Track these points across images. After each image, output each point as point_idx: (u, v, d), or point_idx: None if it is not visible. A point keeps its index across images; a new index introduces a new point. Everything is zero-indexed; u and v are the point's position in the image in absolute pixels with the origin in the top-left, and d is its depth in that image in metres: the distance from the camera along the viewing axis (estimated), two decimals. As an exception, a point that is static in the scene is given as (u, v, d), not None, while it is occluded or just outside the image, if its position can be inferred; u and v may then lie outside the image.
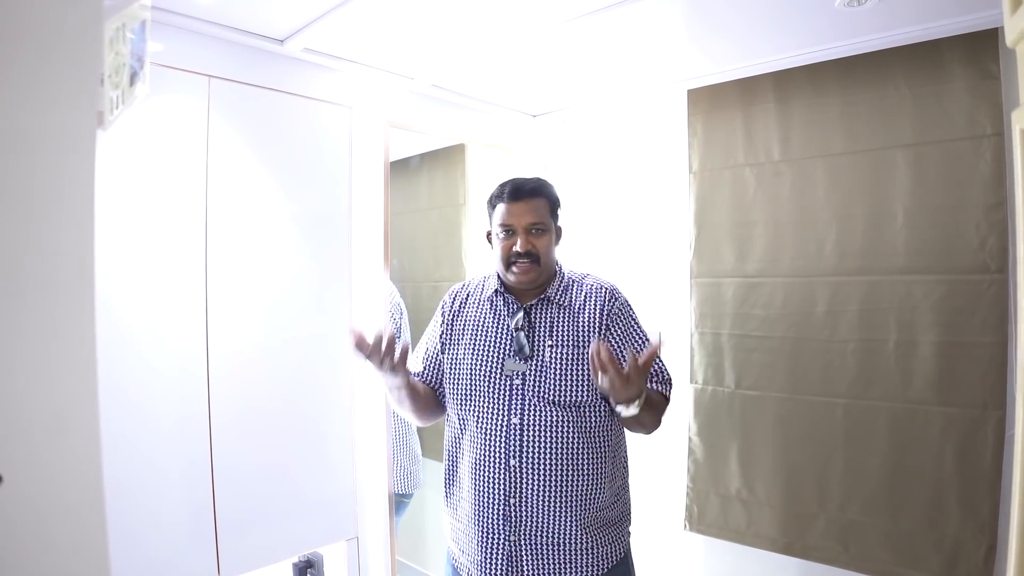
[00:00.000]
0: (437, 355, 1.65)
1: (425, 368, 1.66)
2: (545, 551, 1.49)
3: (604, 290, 1.59)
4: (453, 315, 1.65)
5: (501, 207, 1.56)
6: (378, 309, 2.01)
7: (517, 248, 1.52)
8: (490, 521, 1.50)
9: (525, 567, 1.49)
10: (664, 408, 1.59)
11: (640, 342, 1.58)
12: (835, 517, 1.97)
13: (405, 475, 2.43)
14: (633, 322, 1.60)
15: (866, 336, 1.91)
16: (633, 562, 1.64)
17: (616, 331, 1.56)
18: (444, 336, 1.64)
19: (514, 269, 1.53)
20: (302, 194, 1.85)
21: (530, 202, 1.53)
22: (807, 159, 2.01)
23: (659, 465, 2.36)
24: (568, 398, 1.50)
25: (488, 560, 1.51)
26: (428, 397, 1.64)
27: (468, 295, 1.67)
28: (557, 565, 1.49)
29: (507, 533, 1.49)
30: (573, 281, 1.61)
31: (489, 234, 1.64)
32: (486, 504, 1.51)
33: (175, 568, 1.60)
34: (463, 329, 1.61)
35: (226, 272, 1.69)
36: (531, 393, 1.50)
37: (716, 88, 2.16)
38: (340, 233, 1.95)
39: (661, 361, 1.60)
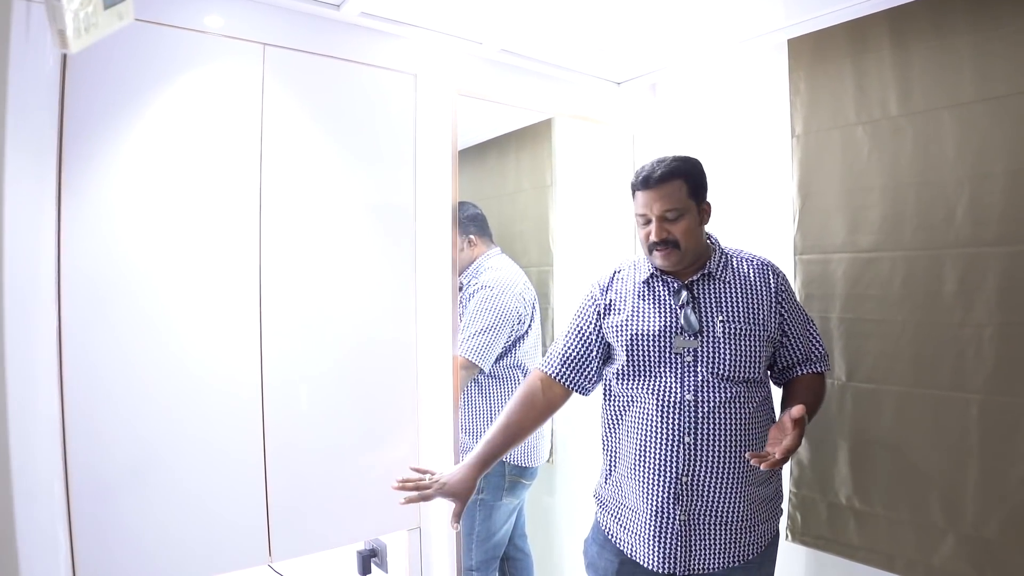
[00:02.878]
0: (585, 350, 1.66)
1: (564, 367, 1.67)
2: (714, 530, 1.50)
3: (766, 265, 1.61)
4: (609, 302, 1.65)
5: (638, 195, 1.57)
6: (445, 288, 1.91)
7: (653, 237, 1.53)
8: (661, 500, 1.50)
9: (695, 547, 1.50)
10: (822, 392, 1.64)
11: (806, 321, 1.65)
12: (968, 535, 1.66)
13: (527, 448, 2.32)
14: (796, 300, 1.65)
15: (1007, 319, 1.59)
16: (777, 549, 1.65)
17: (787, 308, 1.59)
18: (600, 322, 1.64)
19: (655, 255, 1.55)
20: (363, 168, 1.78)
21: (662, 188, 1.52)
22: (931, 111, 1.71)
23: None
24: (742, 373, 1.51)
25: (660, 541, 1.51)
26: (542, 411, 1.67)
27: (621, 280, 1.67)
28: (724, 543, 1.51)
29: (678, 512, 1.50)
30: (731, 256, 1.62)
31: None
32: (657, 483, 1.51)
33: (224, 551, 1.57)
34: (624, 308, 1.61)
35: (281, 249, 1.64)
36: (704, 369, 1.50)
37: (821, 35, 1.89)
38: (405, 209, 1.86)
39: (814, 334, 1.65)
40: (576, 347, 1.66)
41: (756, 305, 1.55)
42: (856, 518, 1.87)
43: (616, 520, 1.62)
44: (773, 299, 1.57)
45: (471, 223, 2.42)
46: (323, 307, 1.71)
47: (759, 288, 1.57)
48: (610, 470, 1.64)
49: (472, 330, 2.22)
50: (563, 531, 2.68)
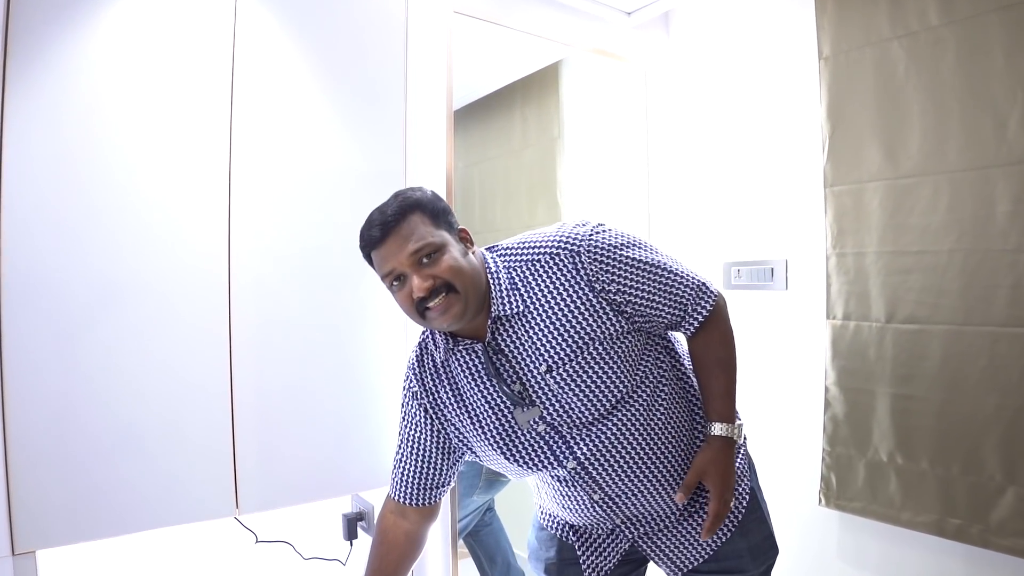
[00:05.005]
0: (423, 458, 1.28)
1: (407, 486, 1.30)
2: (671, 534, 1.29)
3: (559, 253, 1.14)
4: (432, 395, 1.26)
5: (375, 257, 1.14)
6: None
7: (417, 293, 1.09)
8: (603, 533, 1.32)
9: (663, 551, 1.30)
10: (721, 350, 1.24)
11: (652, 270, 1.16)
12: (1033, 489, 1.46)
13: None
14: (631, 260, 1.15)
15: (1073, 236, 1.40)
16: (761, 496, 1.36)
17: (615, 282, 1.13)
18: (431, 421, 1.27)
19: (432, 317, 1.11)
20: (346, 91, 1.62)
21: (398, 231, 1.10)
22: (977, 16, 1.53)
23: (786, 424, 1.91)
24: (607, 401, 1.15)
25: (601, 556, 1.32)
26: (406, 546, 1.31)
27: (431, 368, 1.27)
28: (691, 539, 1.29)
29: (627, 536, 1.30)
30: (514, 267, 1.17)
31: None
32: (593, 527, 1.32)
33: (185, 500, 1.40)
34: (451, 409, 1.25)
35: (254, 178, 1.48)
36: (566, 429, 1.17)
37: (851, -59, 1.73)
38: (393, 132, 1.70)
39: (672, 278, 1.18)
40: (412, 459, 1.29)
41: (575, 320, 1.13)
42: (899, 477, 1.66)
43: (553, 517, 1.38)
44: (588, 292, 1.13)
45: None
46: (299, 238, 1.55)
47: (565, 290, 1.14)
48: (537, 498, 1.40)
49: None
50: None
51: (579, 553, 1.33)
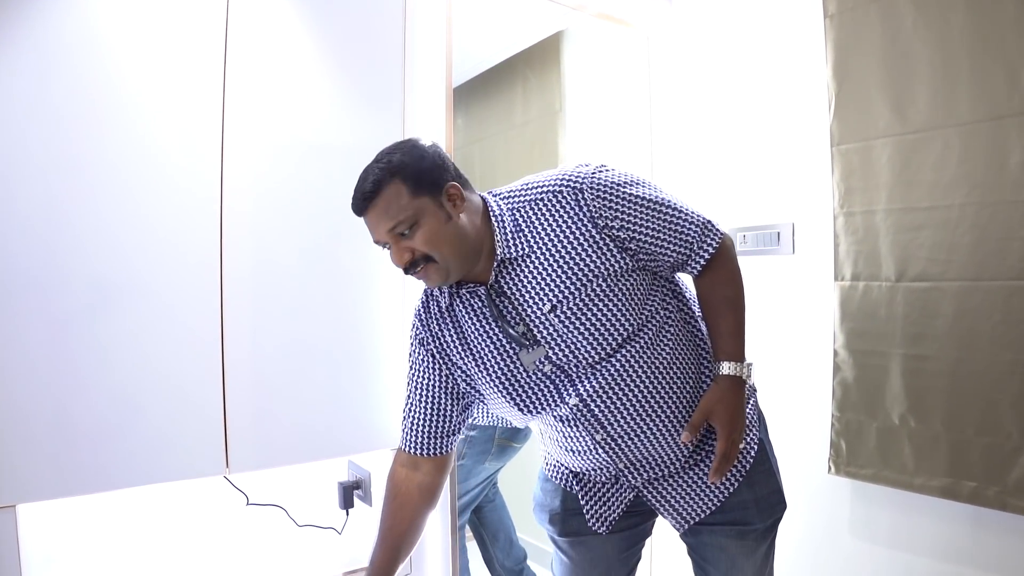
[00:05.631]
0: (434, 406, 1.26)
1: (418, 436, 1.27)
2: (679, 487, 1.25)
3: (561, 187, 1.13)
4: (439, 340, 1.25)
5: (364, 222, 1.14)
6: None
7: (396, 263, 1.11)
8: (608, 478, 1.27)
9: (669, 502, 1.26)
10: (728, 287, 1.23)
11: (657, 208, 1.15)
12: (1050, 445, 1.41)
13: None
14: (634, 197, 1.14)
15: (1089, 182, 1.36)
16: (770, 448, 1.31)
17: (619, 219, 1.12)
18: (439, 366, 1.25)
19: (418, 279, 1.14)
20: (343, 65, 1.58)
21: (376, 204, 1.09)
22: (988, -36, 1.51)
23: (793, 392, 1.86)
24: (613, 340, 1.13)
25: (612, 503, 1.28)
26: (419, 500, 1.27)
27: (435, 314, 1.26)
28: (697, 490, 1.25)
29: (631, 483, 1.26)
30: (517, 208, 1.16)
31: None
32: (596, 473, 1.27)
33: (174, 457, 1.36)
34: (457, 353, 1.23)
35: (249, 132, 1.45)
36: (569, 366, 1.15)
37: None
38: (391, 109, 1.65)
39: (677, 217, 1.17)
40: (422, 407, 1.27)
41: (578, 258, 1.12)
42: (912, 441, 1.61)
43: (559, 467, 1.34)
44: (591, 228, 1.12)
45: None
46: (295, 198, 1.51)
47: (568, 226, 1.13)
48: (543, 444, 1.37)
49: None
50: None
51: (583, 503, 1.29)
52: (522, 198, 1.16)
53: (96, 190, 1.28)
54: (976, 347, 1.51)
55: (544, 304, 1.13)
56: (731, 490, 1.24)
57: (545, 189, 1.15)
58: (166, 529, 1.49)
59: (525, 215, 1.15)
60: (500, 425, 1.99)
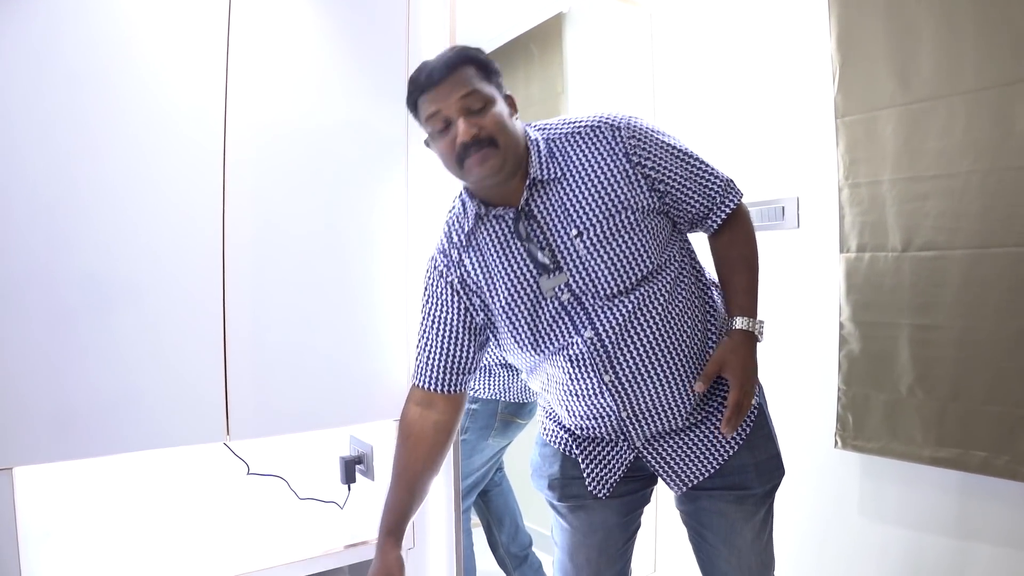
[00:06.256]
0: (452, 340, 1.27)
1: (434, 371, 1.28)
2: (682, 444, 1.24)
3: (600, 124, 1.18)
4: (455, 269, 1.26)
5: (423, 102, 1.15)
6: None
7: (461, 137, 1.10)
8: (608, 432, 1.25)
9: (669, 464, 1.24)
10: (745, 247, 1.28)
11: (684, 159, 1.22)
12: (1061, 414, 1.40)
13: (516, 381, 1.97)
14: (667, 144, 1.20)
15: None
16: (768, 414, 1.31)
17: (651, 160, 1.17)
18: (459, 297, 1.26)
19: (470, 165, 1.12)
20: (347, 45, 1.56)
21: (452, 77, 1.12)
22: (993, -70, 1.50)
23: (798, 367, 1.85)
24: (633, 276, 1.15)
25: (612, 466, 1.27)
26: (435, 438, 1.27)
27: (457, 242, 1.27)
28: (698, 451, 1.24)
29: (632, 439, 1.24)
30: (554, 138, 1.20)
31: (427, 141, 1.23)
32: (596, 426, 1.25)
33: (174, 423, 1.34)
34: (480, 281, 1.24)
35: (252, 93, 1.44)
36: (589, 298, 1.16)
37: None
38: (394, 89, 1.63)
39: (701, 168, 1.24)
40: (439, 341, 1.28)
41: (610, 187, 1.15)
42: (919, 412, 1.60)
43: (557, 429, 1.33)
44: (625, 163, 1.16)
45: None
46: (299, 163, 1.50)
47: (603, 159, 1.17)
48: (542, 399, 1.36)
49: None
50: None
51: (582, 466, 1.27)
52: (558, 130, 1.21)
53: (103, 151, 1.27)
54: (984, 315, 1.50)
55: (571, 229, 1.15)
56: (731, 452, 1.23)
57: (582, 124, 1.20)
58: (166, 497, 1.47)
59: (560, 144, 1.19)
60: (503, 399, 1.97)
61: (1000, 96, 1.48)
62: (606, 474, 1.26)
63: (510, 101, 1.19)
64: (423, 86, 1.13)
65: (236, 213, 1.40)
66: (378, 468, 1.63)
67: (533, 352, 1.21)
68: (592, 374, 1.18)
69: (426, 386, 1.28)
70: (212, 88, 1.38)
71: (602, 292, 1.15)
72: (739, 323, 1.19)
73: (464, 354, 1.27)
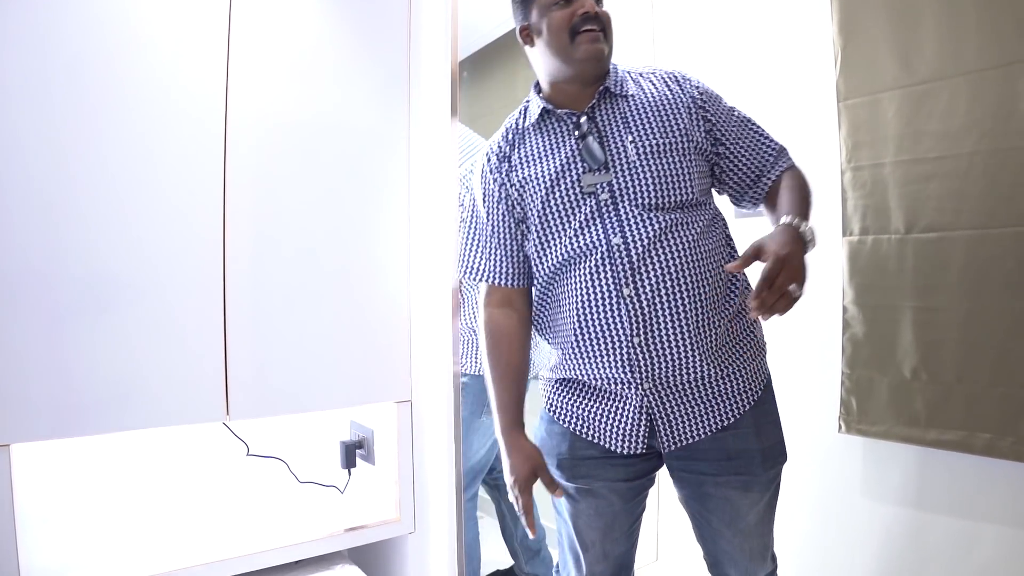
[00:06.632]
0: (512, 234, 1.33)
1: (507, 266, 1.34)
2: (688, 393, 1.22)
3: (674, 74, 1.32)
4: (507, 169, 1.31)
5: None
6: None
7: (585, 9, 1.20)
8: (615, 373, 1.21)
9: (670, 417, 1.23)
10: (802, 183, 1.30)
11: (743, 121, 1.32)
12: (1066, 390, 1.39)
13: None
14: (727, 105, 1.33)
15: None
16: (775, 400, 1.32)
17: (713, 111, 1.29)
18: (507, 197, 1.32)
19: (581, 40, 1.20)
20: (349, 36, 1.55)
21: None
22: (995, -90, 1.50)
23: (802, 348, 1.84)
24: (672, 197, 1.21)
25: (620, 423, 1.24)
26: (519, 330, 1.36)
27: (511, 136, 1.34)
28: (707, 405, 1.23)
29: (639, 381, 1.20)
30: (629, 71, 1.33)
31: (525, 31, 1.29)
32: (606, 353, 1.22)
33: (173, 402, 1.32)
34: (526, 174, 1.28)
35: (252, 74, 1.43)
36: (626, 203, 1.20)
37: None
38: (396, 84, 1.62)
39: (759, 131, 1.33)
40: (502, 240, 1.34)
41: (672, 114, 1.25)
42: (924, 395, 1.59)
43: (568, 401, 1.32)
44: (691, 104, 1.26)
45: None
46: (301, 149, 1.49)
47: (672, 95, 1.27)
48: (555, 352, 1.35)
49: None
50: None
51: (594, 432, 1.27)
52: (635, 70, 1.34)
53: (105, 142, 1.26)
54: (988, 296, 1.49)
55: (627, 134, 1.23)
56: (734, 418, 1.23)
57: (659, 70, 1.34)
58: (165, 477, 1.45)
59: (635, 76, 1.32)
60: None
61: (1003, 76, 1.48)
62: (628, 429, 1.24)
63: None
64: None
65: (237, 194, 1.39)
66: (379, 453, 1.62)
67: (559, 255, 1.25)
68: (612, 285, 1.19)
69: (502, 283, 1.35)
70: (213, 79, 1.38)
71: (640, 200, 1.20)
72: (786, 219, 1.12)
73: (522, 251, 1.34)
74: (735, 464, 1.23)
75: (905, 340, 1.61)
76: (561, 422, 1.32)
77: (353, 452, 1.66)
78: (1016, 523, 1.48)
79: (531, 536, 1.47)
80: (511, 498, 1.32)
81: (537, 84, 1.34)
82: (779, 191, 1.26)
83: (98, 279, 1.26)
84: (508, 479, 1.30)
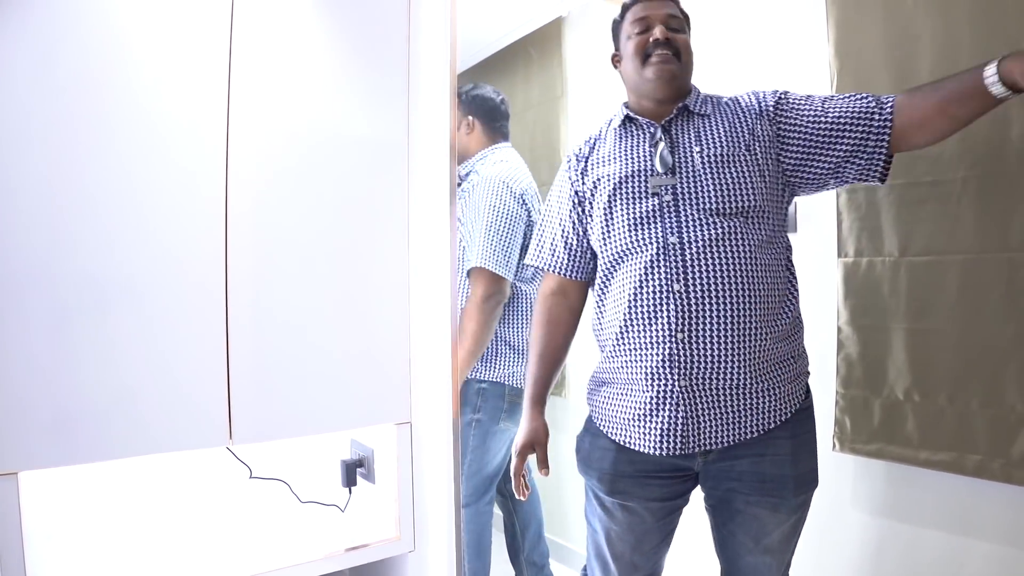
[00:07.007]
0: (577, 230, 1.49)
1: (570, 259, 1.51)
2: (723, 397, 1.28)
3: (758, 90, 1.43)
4: (581, 168, 1.49)
5: (635, 8, 1.45)
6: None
7: (656, 35, 1.37)
8: (655, 365, 1.30)
9: (702, 419, 1.29)
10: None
11: (838, 101, 1.33)
12: (1055, 415, 1.41)
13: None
14: (817, 96, 1.37)
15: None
16: (815, 423, 1.43)
17: (787, 108, 1.36)
18: (579, 194, 1.48)
19: (652, 62, 1.38)
20: (348, 49, 1.57)
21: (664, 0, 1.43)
22: (989, -62, 1.51)
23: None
24: (732, 204, 1.30)
25: (656, 416, 1.30)
26: (569, 320, 1.55)
27: (594, 140, 1.52)
28: (737, 414, 1.29)
29: (676, 376, 1.28)
30: (711, 95, 1.47)
31: (615, 57, 1.54)
32: (648, 345, 1.30)
33: (176, 427, 1.34)
34: (599, 173, 1.44)
35: (255, 105, 1.45)
36: (687, 206, 1.32)
37: None
38: (396, 97, 1.63)
39: (840, 96, 1.38)
40: (570, 233, 1.50)
41: (739, 127, 1.37)
42: (916, 415, 1.61)
43: (608, 404, 1.42)
44: (760, 112, 1.37)
45: (477, 106, 2.13)
46: (303, 164, 1.51)
47: (744, 109, 1.39)
48: (602, 351, 1.45)
49: (478, 234, 1.98)
50: (569, 466, 2.44)
51: (631, 435, 1.34)
52: (724, 96, 1.47)
53: (105, 155, 1.28)
54: (979, 320, 1.52)
55: (696, 146, 1.35)
56: (758, 432, 1.28)
57: (744, 92, 1.45)
58: (169, 501, 1.48)
59: (715, 98, 1.45)
60: (508, 383, 2.00)
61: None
62: (663, 429, 1.30)
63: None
64: None
65: (239, 218, 1.41)
66: (379, 471, 1.65)
67: (617, 247, 1.37)
68: (664, 280, 1.28)
69: (559, 272, 1.51)
70: (214, 95, 1.39)
71: (700, 203, 1.30)
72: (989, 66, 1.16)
73: (584, 246, 1.48)
74: (767, 487, 1.30)
75: (898, 361, 1.63)
76: (602, 428, 1.39)
77: (353, 471, 1.68)
78: (1006, 542, 1.50)
79: (521, 498, 1.55)
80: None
81: (626, 103, 1.50)
82: (927, 94, 1.26)
83: (98, 307, 1.27)
84: (514, 444, 1.52)
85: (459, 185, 2.09)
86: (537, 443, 1.49)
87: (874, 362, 1.68)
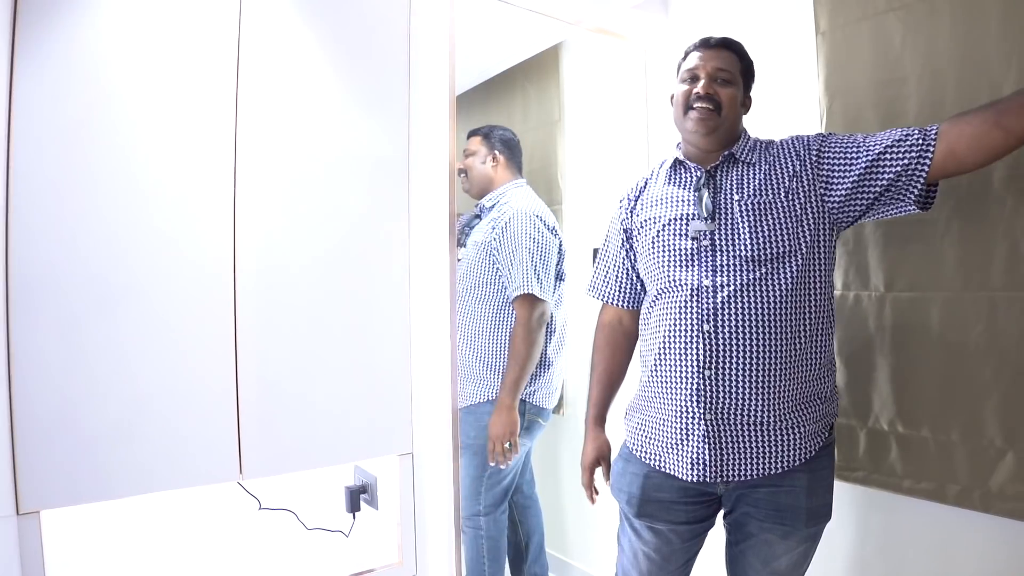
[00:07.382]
0: (626, 265, 1.62)
1: (626, 292, 1.63)
2: (746, 433, 1.37)
3: (803, 136, 1.48)
4: (632, 208, 1.59)
5: (690, 56, 1.51)
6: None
7: (699, 90, 1.44)
8: (684, 398, 1.40)
9: (726, 452, 1.38)
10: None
11: (880, 135, 1.37)
12: (1031, 450, 1.46)
13: (550, 390, 2.20)
14: (854, 135, 1.42)
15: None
16: (834, 459, 1.54)
17: (828, 149, 1.41)
18: (628, 231, 1.59)
19: (691, 115, 1.45)
20: (350, 75, 1.63)
21: (720, 51, 1.48)
22: (972, -15, 1.55)
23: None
24: (765, 251, 1.38)
25: (686, 445, 1.40)
26: (628, 348, 1.67)
27: (645, 181, 1.61)
28: (760, 450, 1.37)
29: (701, 411, 1.38)
30: (761, 141, 1.52)
31: (672, 98, 1.57)
32: (678, 379, 1.41)
33: (189, 464, 1.41)
34: (646, 213, 1.54)
35: (261, 132, 1.50)
36: (722, 252, 1.39)
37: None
38: (397, 118, 1.70)
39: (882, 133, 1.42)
40: (624, 269, 1.63)
41: (782, 173, 1.42)
42: (900, 445, 1.67)
43: (641, 430, 1.52)
44: (801, 156, 1.43)
45: (502, 143, 2.31)
46: (306, 203, 1.56)
47: (786, 155, 1.45)
48: (640, 379, 1.56)
49: (520, 263, 2.08)
50: (570, 483, 2.50)
51: (666, 461, 1.44)
52: (763, 140, 1.52)
53: (111, 198, 1.33)
54: (961, 355, 1.57)
55: (737, 194, 1.42)
56: (781, 469, 1.37)
57: (793, 136, 1.49)
58: (182, 534, 1.54)
59: (765, 145, 1.51)
60: (529, 400, 2.12)
61: (978, 145, 1.54)
62: (693, 457, 1.39)
63: (748, 102, 1.55)
64: (700, 44, 1.50)
65: (246, 255, 1.48)
66: (382, 497, 1.71)
67: (657, 287, 1.47)
68: (695, 321, 1.38)
69: (618, 303, 1.64)
70: (221, 138, 1.45)
71: (734, 251, 1.37)
72: None
73: (635, 279, 1.61)
74: (781, 515, 1.39)
75: (883, 392, 1.69)
76: (635, 452, 1.49)
77: (357, 497, 1.75)
78: (984, 570, 1.56)
79: (591, 504, 1.68)
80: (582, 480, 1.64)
81: (679, 143, 1.57)
82: (978, 111, 1.29)
83: (123, 359, 1.34)
84: (582, 460, 1.65)
85: (480, 215, 2.25)
86: (603, 457, 1.62)
87: (860, 392, 1.73)
